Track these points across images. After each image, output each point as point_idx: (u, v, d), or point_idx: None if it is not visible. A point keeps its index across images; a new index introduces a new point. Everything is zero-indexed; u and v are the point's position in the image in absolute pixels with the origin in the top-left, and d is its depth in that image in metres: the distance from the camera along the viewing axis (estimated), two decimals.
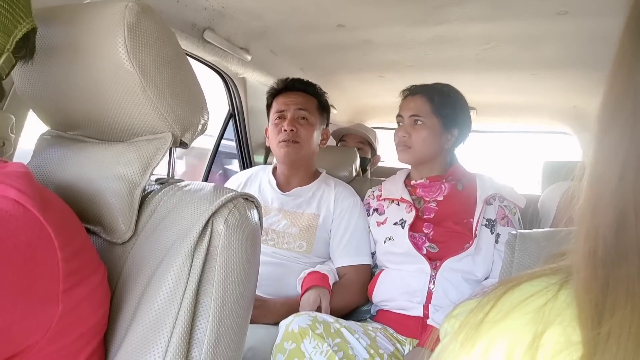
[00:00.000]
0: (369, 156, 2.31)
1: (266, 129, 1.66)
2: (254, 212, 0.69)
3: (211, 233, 0.61)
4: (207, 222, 0.61)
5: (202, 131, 0.77)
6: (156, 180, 0.76)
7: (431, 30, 1.52)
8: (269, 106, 1.64)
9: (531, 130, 3.05)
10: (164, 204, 0.67)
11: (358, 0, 1.32)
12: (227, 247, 0.61)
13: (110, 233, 0.64)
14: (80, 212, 0.63)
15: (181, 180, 0.75)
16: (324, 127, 1.64)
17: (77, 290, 0.51)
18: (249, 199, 0.69)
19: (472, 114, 1.50)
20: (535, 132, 3.06)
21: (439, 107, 1.42)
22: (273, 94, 1.62)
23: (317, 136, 1.59)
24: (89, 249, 0.56)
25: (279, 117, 1.56)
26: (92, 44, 0.63)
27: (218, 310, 0.59)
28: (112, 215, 0.64)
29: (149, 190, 0.70)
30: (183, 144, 0.74)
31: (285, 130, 1.50)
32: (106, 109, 0.68)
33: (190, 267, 0.58)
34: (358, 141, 2.28)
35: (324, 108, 1.64)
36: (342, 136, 2.36)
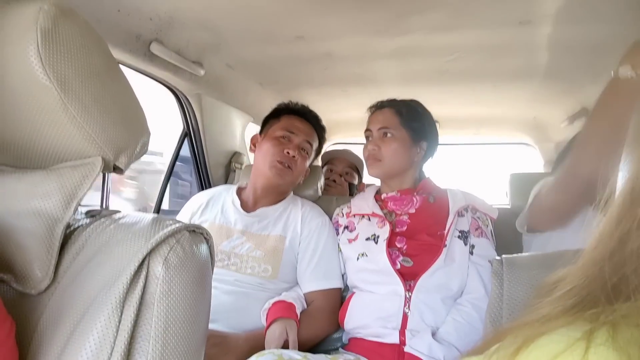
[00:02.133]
0: (356, 182, 2.26)
1: (255, 136, 1.60)
2: (203, 247, 0.59)
3: (147, 277, 0.50)
4: (141, 264, 0.50)
5: (142, 153, 0.67)
6: (87, 213, 0.64)
7: (394, 41, 1.48)
8: (271, 117, 1.58)
9: (494, 142, 3.08)
10: (92, 243, 0.56)
11: (317, 10, 1.26)
12: (166, 293, 0.50)
13: (22, 282, 0.53)
14: None
15: (117, 212, 0.64)
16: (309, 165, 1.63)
17: None
18: (196, 231, 0.59)
19: (436, 127, 1.47)
20: (498, 144, 3.10)
21: (408, 119, 1.41)
22: (286, 111, 1.57)
23: (304, 169, 1.57)
24: None
25: (284, 137, 1.49)
26: (0, 53, 0.53)
27: None
28: (25, 260, 0.53)
29: (75, 226, 0.59)
30: (117, 169, 0.63)
31: (288, 154, 1.46)
32: (20, 131, 0.57)
33: (120, 321, 0.47)
34: (346, 166, 2.23)
35: (319, 149, 1.64)
36: (329, 160, 2.29)
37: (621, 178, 0.32)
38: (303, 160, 1.51)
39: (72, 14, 0.55)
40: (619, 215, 0.30)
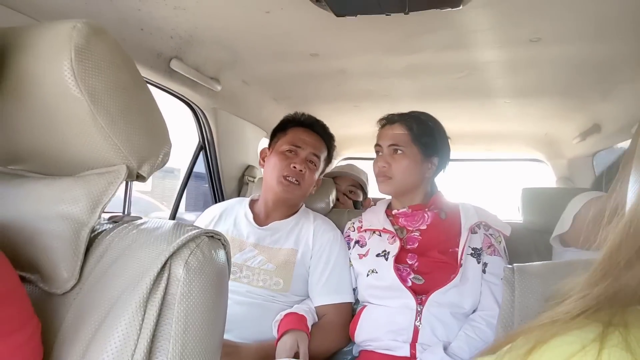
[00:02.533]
0: (361, 199, 2.24)
1: (263, 150, 1.60)
2: (221, 253, 0.61)
3: (168, 278, 0.53)
4: (163, 266, 0.53)
5: (163, 163, 0.70)
6: (110, 219, 0.67)
7: (405, 58, 1.51)
8: (278, 131, 1.58)
9: (505, 158, 3.07)
10: (116, 246, 0.58)
11: (331, 29, 1.29)
12: (187, 294, 0.52)
13: (49, 282, 0.55)
14: (14, 257, 0.54)
15: (139, 218, 0.67)
16: (321, 176, 1.62)
17: None
18: (215, 237, 0.62)
19: None
20: (509, 160, 3.09)
21: (419, 135, 1.39)
22: (292, 123, 1.56)
23: (314, 181, 1.55)
24: (18, 300, 0.47)
25: (291, 151, 1.49)
26: (36, 68, 0.57)
27: None
28: (52, 261, 0.55)
29: (99, 231, 0.62)
30: (140, 177, 0.67)
31: (295, 168, 1.45)
32: (51, 140, 0.60)
33: (143, 320, 0.49)
34: (350, 184, 2.21)
35: (329, 159, 1.61)
36: (332, 178, 2.29)
37: (631, 192, 0.32)
38: (311, 172, 1.50)
39: (102, 32, 0.58)
40: (630, 225, 0.30)
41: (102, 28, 0.58)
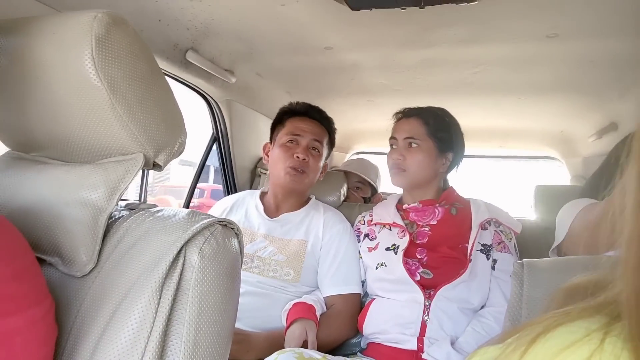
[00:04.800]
0: (369, 195, 2.23)
1: (266, 145, 1.61)
2: (234, 241, 0.63)
3: (183, 264, 0.54)
4: (179, 252, 0.54)
5: (179, 152, 0.71)
6: (126, 206, 0.69)
7: (420, 53, 1.50)
8: (277, 124, 1.59)
9: (519, 155, 3.04)
10: (132, 232, 0.60)
11: (346, 22, 1.29)
12: (201, 280, 0.54)
13: (68, 265, 0.57)
14: (36, 240, 0.56)
15: (154, 206, 0.69)
16: (326, 160, 1.61)
17: (8, 321, 0.43)
18: (228, 226, 0.63)
19: None
20: (524, 157, 3.06)
21: (435, 130, 1.39)
22: (288, 114, 1.57)
23: (320, 169, 1.55)
24: (33, 277, 0.49)
25: (291, 141, 1.50)
26: (57, 57, 0.58)
27: (189, 354, 0.51)
28: (72, 245, 0.57)
29: (116, 217, 0.64)
30: (156, 166, 0.68)
31: (298, 158, 1.46)
32: (71, 128, 0.62)
33: (158, 304, 0.51)
34: (357, 180, 2.19)
35: (332, 143, 1.61)
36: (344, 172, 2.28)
37: None
38: (315, 159, 1.50)
39: (123, 22, 0.59)
40: None
41: (123, 18, 0.59)
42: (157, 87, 0.65)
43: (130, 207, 0.68)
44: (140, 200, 0.71)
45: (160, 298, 0.51)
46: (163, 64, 1.35)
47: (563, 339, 0.27)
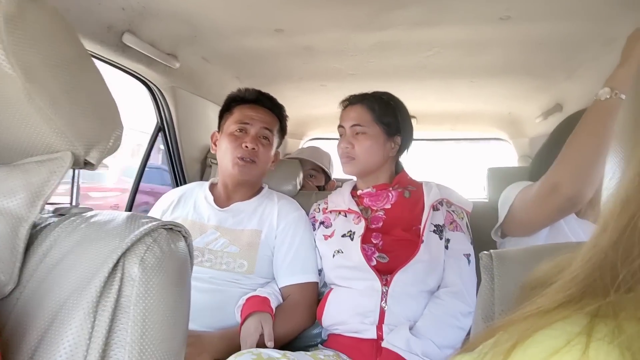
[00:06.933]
0: (323, 183, 2.21)
1: (213, 134, 1.53)
2: (181, 245, 0.56)
3: (122, 278, 0.47)
4: (116, 265, 0.47)
5: (115, 148, 0.63)
6: (55, 211, 0.61)
7: (374, 36, 1.47)
8: (224, 111, 1.51)
9: (470, 137, 3.11)
10: (61, 243, 0.52)
11: (297, 2, 1.23)
12: (143, 295, 0.47)
13: None
14: None
15: (89, 209, 0.61)
16: (278, 149, 1.56)
17: None
18: (174, 229, 0.56)
19: (413, 122, 1.47)
20: (474, 139, 3.13)
21: (381, 115, 1.39)
22: (236, 101, 1.49)
23: (271, 158, 1.50)
24: None
25: (240, 130, 1.43)
26: None
27: None
28: None
29: (42, 225, 0.55)
30: (88, 165, 0.60)
31: (247, 147, 1.39)
32: None
33: (92, 327, 0.44)
34: (310, 168, 2.17)
35: (283, 132, 1.56)
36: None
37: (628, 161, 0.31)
38: (265, 148, 1.45)
39: None
40: (627, 197, 0.29)
41: None
42: (85, 75, 0.57)
43: (60, 213, 0.60)
44: (71, 204, 0.62)
45: (94, 320, 0.44)
46: (96, 48, 1.22)
47: (544, 346, 0.26)
